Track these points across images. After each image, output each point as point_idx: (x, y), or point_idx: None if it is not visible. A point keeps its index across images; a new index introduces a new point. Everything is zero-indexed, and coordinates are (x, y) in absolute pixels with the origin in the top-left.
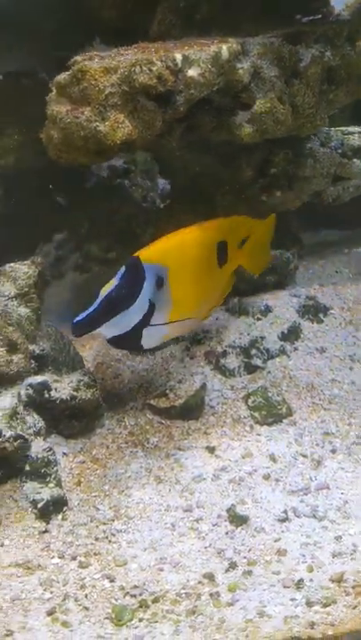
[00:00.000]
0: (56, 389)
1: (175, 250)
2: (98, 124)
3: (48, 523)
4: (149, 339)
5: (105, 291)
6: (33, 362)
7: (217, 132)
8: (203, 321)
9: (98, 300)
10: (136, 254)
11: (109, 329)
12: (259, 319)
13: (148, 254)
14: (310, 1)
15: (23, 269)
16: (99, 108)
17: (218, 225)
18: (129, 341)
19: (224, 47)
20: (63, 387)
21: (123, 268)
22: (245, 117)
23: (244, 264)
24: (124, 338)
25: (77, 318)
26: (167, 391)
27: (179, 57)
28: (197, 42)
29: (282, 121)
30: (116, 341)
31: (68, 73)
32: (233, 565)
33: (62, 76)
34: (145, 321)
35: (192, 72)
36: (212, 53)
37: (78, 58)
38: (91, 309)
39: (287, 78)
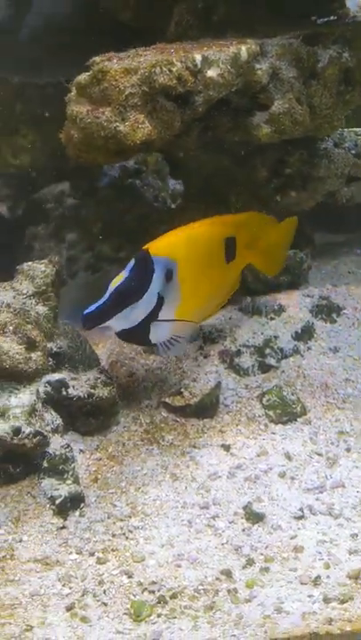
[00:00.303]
0: (73, 387)
1: (184, 244)
2: (118, 124)
3: (66, 519)
4: (157, 333)
5: (115, 283)
6: (51, 359)
7: (233, 133)
8: (208, 319)
9: (107, 293)
10: (145, 247)
11: (119, 322)
12: (272, 319)
13: (158, 247)
14: (328, 2)
15: (41, 268)
16: (119, 108)
17: (227, 220)
18: (138, 335)
19: (243, 48)
20: (80, 384)
21: (132, 261)
22: (263, 118)
23: (257, 264)
24: (133, 331)
25: (87, 310)
26: (182, 390)
27: (198, 58)
28: (216, 43)
29: (300, 122)
30: (124, 335)
31: (88, 73)
32: (250, 562)
33: (83, 77)
34: (154, 314)
35: (211, 73)
36: (231, 54)
37: (97, 58)
38: (101, 302)
39: (305, 79)
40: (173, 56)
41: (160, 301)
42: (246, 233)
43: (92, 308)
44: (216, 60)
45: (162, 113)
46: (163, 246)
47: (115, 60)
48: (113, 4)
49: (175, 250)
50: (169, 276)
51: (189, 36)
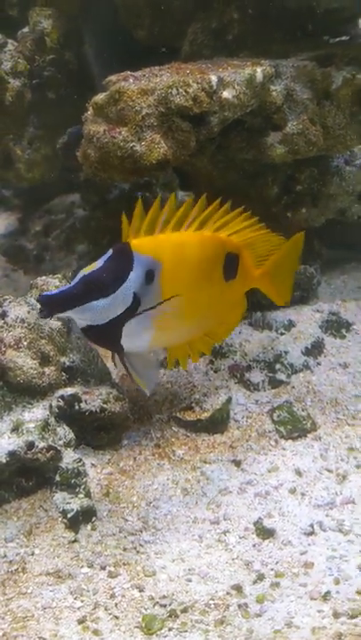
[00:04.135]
0: (86, 402)
1: (175, 247)
2: (134, 144)
3: (77, 532)
4: (131, 339)
5: (85, 272)
6: (64, 374)
7: (247, 152)
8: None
9: (74, 280)
10: (127, 240)
11: (83, 315)
12: (282, 334)
13: (141, 243)
14: (341, 23)
15: (54, 282)
16: (135, 128)
17: (232, 235)
18: (106, 336)
19: (258, 70)
20: (93, 399)
21: (109, 252)
22: (277, 138)
23: (265, 289)
24: (101, 331)
25: (46, 293)
26: (193, 404)
27: (214, 79)
28: (231, 63)
29: (314, 142)
30: (92, 333)
31: (105, 93)
32: (261, 577)
33: (100, 97)
34: (126, 316)
35: (227, 94)
36: (246, 76)
37: (113, 78)
38: (64, 288)
39: (319, 100)
40: (189, 77)
41: (135, 303)
42: (254, 253)
43: (54, 291)
44: (232, 81)
45: (177, 133)
46: (147, 243)
47: (131, 80)
48: (128, 22)
49: (162, 250)
50: (150, 276)
51: (203, 54)
